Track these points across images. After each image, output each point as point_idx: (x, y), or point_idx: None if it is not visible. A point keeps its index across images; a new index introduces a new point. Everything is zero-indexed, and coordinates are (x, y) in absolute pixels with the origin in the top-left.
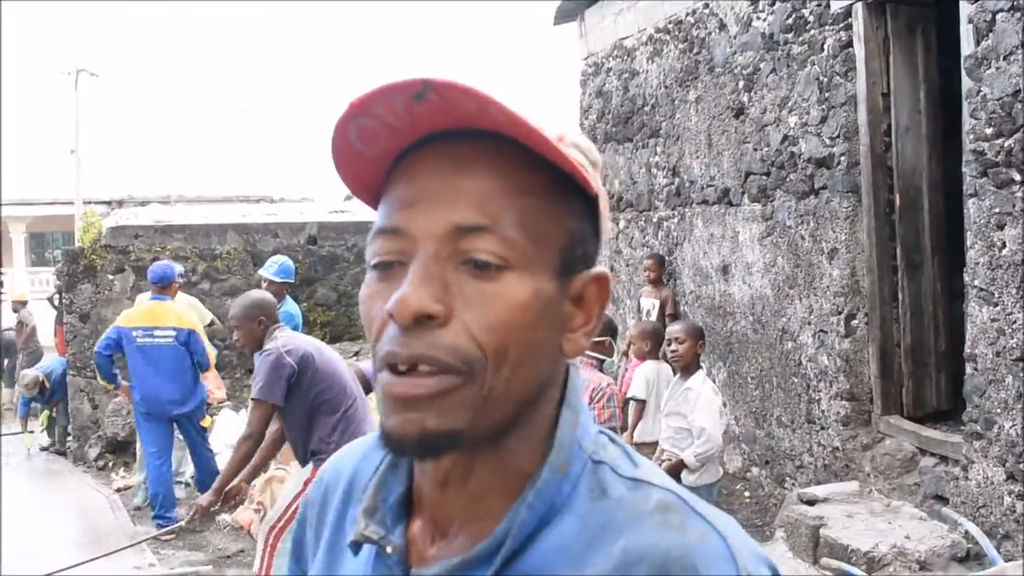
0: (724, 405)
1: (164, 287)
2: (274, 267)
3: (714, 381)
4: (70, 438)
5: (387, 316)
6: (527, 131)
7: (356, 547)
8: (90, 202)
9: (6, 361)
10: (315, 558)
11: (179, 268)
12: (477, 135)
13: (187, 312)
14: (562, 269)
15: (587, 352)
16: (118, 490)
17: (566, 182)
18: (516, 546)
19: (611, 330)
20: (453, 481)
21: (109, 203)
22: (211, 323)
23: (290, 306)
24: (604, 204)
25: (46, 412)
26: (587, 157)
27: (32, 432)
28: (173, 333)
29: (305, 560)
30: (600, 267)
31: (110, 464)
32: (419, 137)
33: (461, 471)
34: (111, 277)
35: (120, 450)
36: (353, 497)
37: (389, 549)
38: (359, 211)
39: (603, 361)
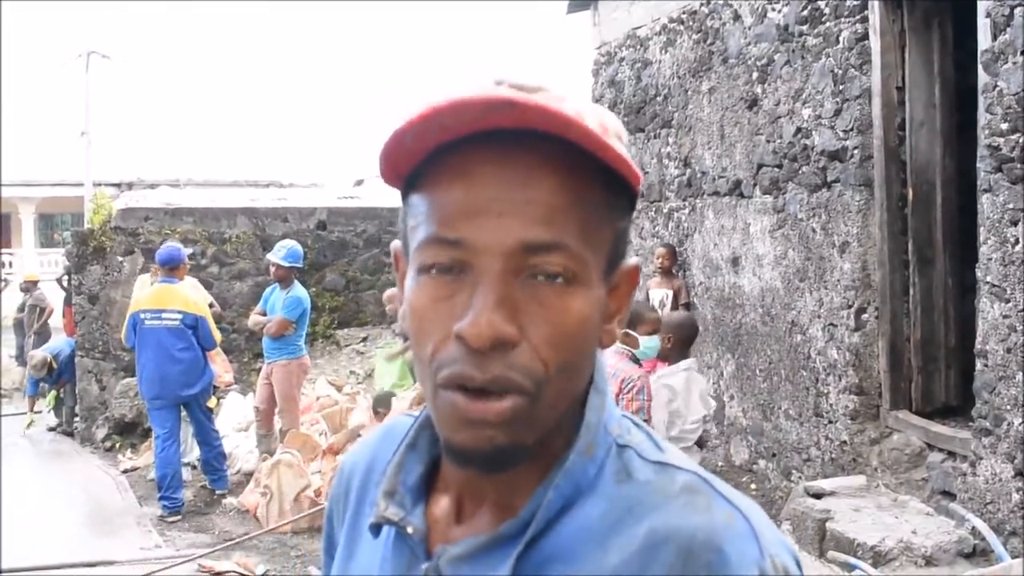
0: (717, 395)
1: (172, 269)
2: (283, 251)
3: (722, 374)
4: (77, 419)
5: (454, 335)
6: (584, 134)
7: (376, 529)
8: (100, 184)
9: (14, 340)
10: (339, 547)
11: (187, 250)
12: (528, 135)
13: (195, 296)
14: (608, 268)
15: (620, 343)
16: (125, 471)
17: (615, 179)
18: (542, 527)
19: (635, 318)
20: None
21: (119, 185)
22: (211, 305)
23: (298, 291)
24: (636, 192)
25: (53, 392)
26: (622, 140)
27: (39, 412)
28: (179, 316)
29: (335, 551)
30: (634, 258)
31: (117, 445)
32: (468, 133)
33: None
34: (120, 259)
35: (127, 431)
36: (371, 482)
37: (410, 530)
38: (369, 197)
39: (635, 352)
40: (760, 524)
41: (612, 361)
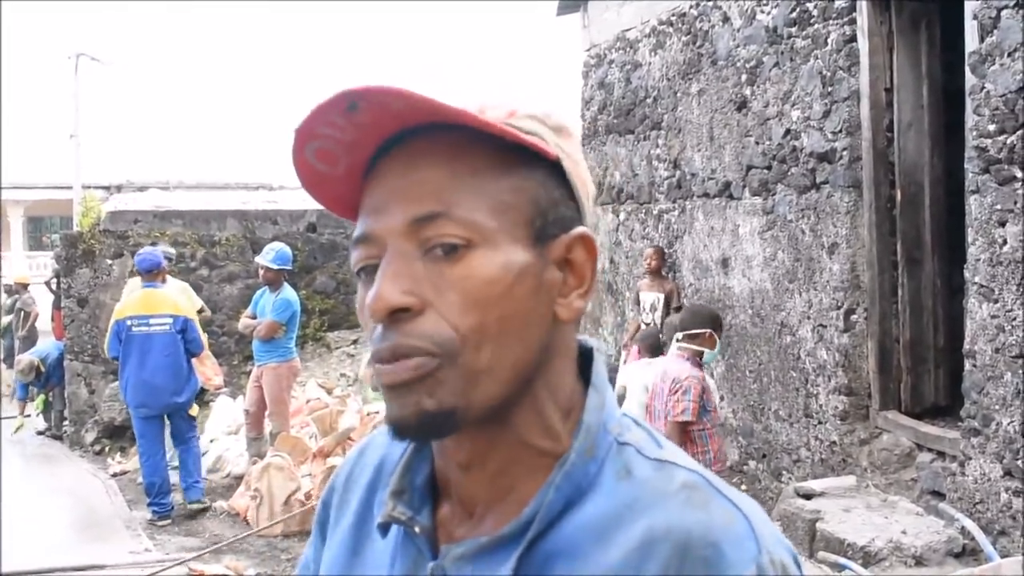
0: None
1: (153, 274)
2: (271, 254)
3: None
4: (66, 422)
5: (368, 318)
6: (455, 115)
7: (384, 528)
8: (89, 187)
9: (2, 342)
10: (332, 540)
11: (171, 251)
12: (431, 130)
13: (181, 299)
14: (536, 238)
15: (684, 344)
16: (114, 475)
17: (524, 153)
18: (544, 526)
19: (714, 323)
20: (474, 463)
21: (108, 188)
22: (201, 310)
23: (288, 293)
24: (571, 165)
25: (42, 396)
26: (545, 124)
27: (28, 416)
28: (169, 320)
29: (327, 537)
30: (580, 228)
31: (106, 449)
32: (377, 145)
33: (480, 451)
34: (109, 262)
35: (117, 435)
36: (380, 481)
37: (417, 529)
38: None
39: (702, 354)
40: (759, 522)
41: (674, 364)
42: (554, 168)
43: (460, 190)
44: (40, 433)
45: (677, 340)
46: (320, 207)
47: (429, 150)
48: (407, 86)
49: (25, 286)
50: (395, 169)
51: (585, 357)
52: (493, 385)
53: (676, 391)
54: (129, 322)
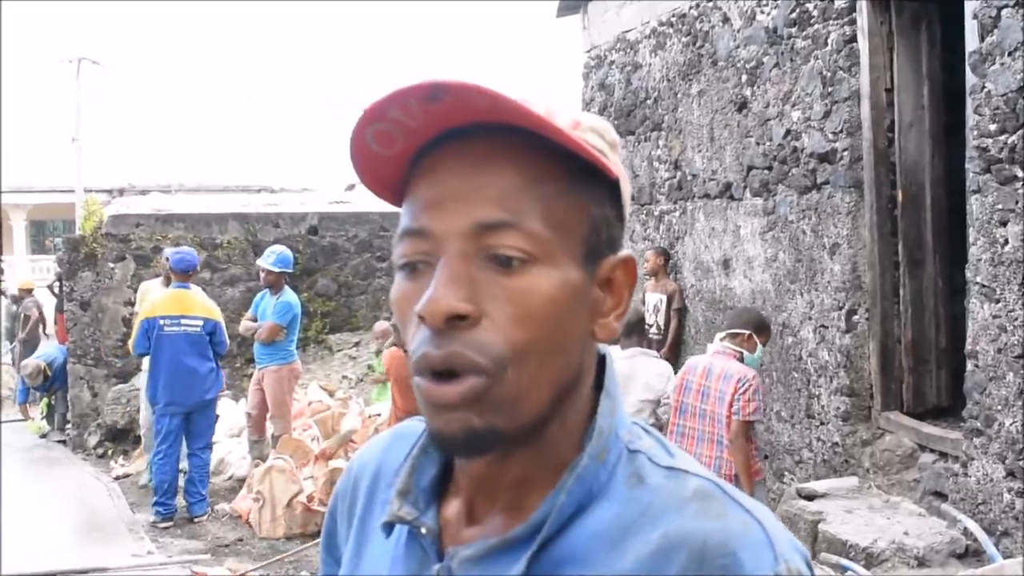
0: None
1: (188, 275)
2: (272, 257)
3: None
4: (69, 426)
5: (418, 319)
6: (539, 123)
7: (389, 528)
8: (91, 190)
9: (4, 345)
10: (347, 545)
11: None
12: (495, 129)
13: (210, 302)
14: (587, 256)
15: (728, 345)
16: (117, 478)
17: (585, 168)
18: (554, 530)
19: (758, 326)
20: (496, 466)
21: (110, 191)
22: None
23: (289, 296)
24: (625, 186)
25: (45, 400)
26: (604, 139)
27: (32, 419)
28: (200, 323)
29: (338, 550)
30: (626, 251)
31: (109, 452)
32: (436, 134)
33: (502, 456)
34: (112, 265)
35: (119, 438)
36: (381, 483)
37: (423, 530)
38: (360, 202)
39: (742, 355)
40: (774, 530)
41: (721, 362)
42: (610, 187)
43: (526, 199)
44: (43, 436)
45: (720, 339)
46: (321, 210)
47: (495, 152)
48: (492, 85)
49: (29, 291)
50: (457, 167)
51: (598, 362)
52: (536, 403)
53: (746, 391)
54: (161, 321)
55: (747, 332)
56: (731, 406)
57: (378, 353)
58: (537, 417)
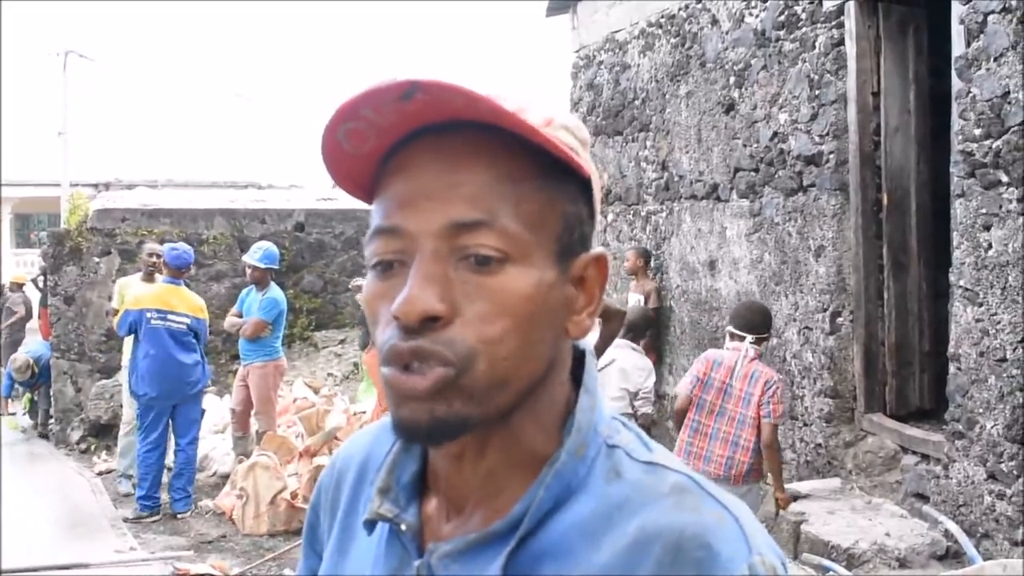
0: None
1: (181, 271)
2: (258, 253)
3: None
4: (52, 421)
5: (392, 318)
6: (512, 120)
7: (370, 526)
8: (77, 184)
9: None
10: (329, 540)
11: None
12: (467, 127)
13: (198, 299)
14: (561, 254)
15: (755, 346)
16: (100, 473)
17: (557, 166)
18: (532, 525)
19: (770, 325)
20: (468, 459)
21: (96, 186)
22: None
23: (275, 292)
24: (596, 184)
25: (27, 395)
26: (576, 136)
27: (13, 414)
28: (187, 320)
29: (320, 543)
30: (598, 248)
31: (92, 447)
32: (408, 132)
33: (475, 449)
34: (97, 260)
35: (103, 433)
36: (366, 479)
37: (403, 527)
38: (346, 199)
39: (761, 355)
40: (749, 525)
41: (744, 362)
42: (582, 185)
43: (500, 198)
44: (24, 431)
45: (750, 341)
46: (308, 207)
47: (469, 149)
48: (466, 82)
49: (20, 285)
50: (430, 164)
51: (577, 359)
52: (505, 396)
53: (774, 393)
54: (148, 314)
55: (767, 334)
56: (760, 408)
57: (363, 347)
58: (506, 407)
